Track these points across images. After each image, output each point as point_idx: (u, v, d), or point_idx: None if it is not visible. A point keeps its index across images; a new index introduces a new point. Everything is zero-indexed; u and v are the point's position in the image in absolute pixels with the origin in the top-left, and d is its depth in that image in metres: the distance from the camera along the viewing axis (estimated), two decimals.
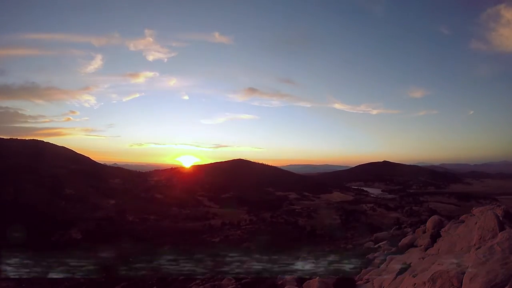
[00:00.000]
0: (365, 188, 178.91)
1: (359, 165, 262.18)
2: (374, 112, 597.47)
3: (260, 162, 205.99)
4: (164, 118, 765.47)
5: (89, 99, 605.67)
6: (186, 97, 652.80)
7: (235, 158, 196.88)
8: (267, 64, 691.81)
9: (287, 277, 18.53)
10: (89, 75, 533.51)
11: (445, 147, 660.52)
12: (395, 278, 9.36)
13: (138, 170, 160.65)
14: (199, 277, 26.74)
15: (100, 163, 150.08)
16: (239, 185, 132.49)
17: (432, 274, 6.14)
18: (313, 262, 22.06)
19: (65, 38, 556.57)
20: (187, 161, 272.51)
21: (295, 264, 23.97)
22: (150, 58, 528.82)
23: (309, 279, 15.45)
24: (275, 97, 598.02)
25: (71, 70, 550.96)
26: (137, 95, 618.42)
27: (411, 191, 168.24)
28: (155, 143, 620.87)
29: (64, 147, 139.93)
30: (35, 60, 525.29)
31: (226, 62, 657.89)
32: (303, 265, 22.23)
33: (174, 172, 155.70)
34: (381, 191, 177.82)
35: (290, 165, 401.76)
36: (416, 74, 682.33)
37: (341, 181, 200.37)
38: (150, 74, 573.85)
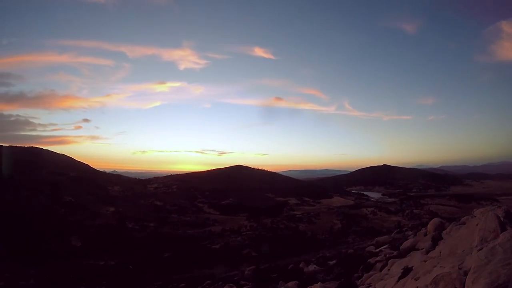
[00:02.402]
0: (365, 192, 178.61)
1: (359, 169, 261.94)
2: (386, 118, 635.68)
3: (260, 168, 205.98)
4: (177, 126, 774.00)
5: (106, 107, 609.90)
6: (208, 106, 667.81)
7: (235, 164, 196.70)
8: (297, 74, 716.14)
9: (290, 282, 18.39)
10: (113, 84, 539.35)
11: (445, 150, 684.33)
12: (397, 282, 9.31)
13: (137, 178, 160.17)
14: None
15: (99, 170, 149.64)
16: (239, 191, 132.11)
17: (435, 277, 6.12)
18: (314, 267, 21.92)
19: (98, 46, 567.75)
20: (189, 168, 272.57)
21: (297, 269, 23.78)
22: (182, 67, 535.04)
23: (311, 284, 15.33)
24: (298, 105, 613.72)
25: (96, 79, 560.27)
26: (159, 103, 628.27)
27: (412, 194, 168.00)
28: (160, 150, 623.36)
29: (63, 154, 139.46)
30: (60, 67, 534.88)
31: (259, 73, 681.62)
32: (305, 270, 22.06)
33: (174, 179, 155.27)
34: (382, 194, 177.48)
35: (290, 170, 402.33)
36: (426, 83, 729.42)
37: (341, 185, 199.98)
38: (177, 83, 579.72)
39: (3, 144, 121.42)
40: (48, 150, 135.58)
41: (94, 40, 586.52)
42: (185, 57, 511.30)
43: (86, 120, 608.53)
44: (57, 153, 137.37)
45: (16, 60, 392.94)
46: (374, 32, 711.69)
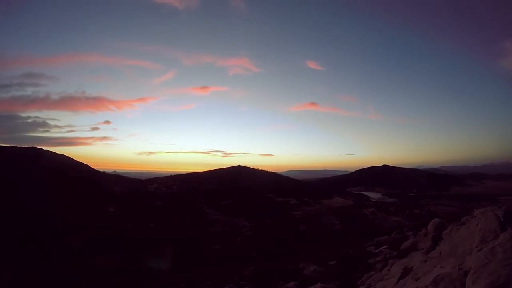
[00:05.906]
0: (365, 193, 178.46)
1: (359, 169, 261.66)
2: (400, 122, 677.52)
3: (261, 168, 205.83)
4: (196, 128, 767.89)
5: (135, 110, 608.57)
6: (244, 108, 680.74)
7: (235, 165, 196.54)
8: (340, 82, 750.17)
9: (290, 283, 18.37)
10: (152, 87, 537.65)
11: (445, 150, 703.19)
12: (397, 282, 9.31)
13: (137, 178, 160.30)
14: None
15: (99, 171, 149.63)
16: (238, 191, 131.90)
17: (435, 277, 6.11)
18: (314, 268, 21.89)
19: (151, 50, 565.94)
20: (193, 169, 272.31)
21: (297, 270, 23.76)
22: (231, 73, 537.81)
23: (311, 284, 15.32)
24: (329, 109, 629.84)
25: (137, 82, 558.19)
26: (192, 107, 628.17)
27: (412, 194, 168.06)
28: (166, 152, 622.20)
29: (63, 154, 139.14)
30: (103, 69, 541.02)
31: (305, 81, 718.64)
32: (305, 271, 22.05)
33: (174, 179, 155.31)
34: (382, 195, 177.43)
35: (290, 170, 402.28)
36: (440, 89, 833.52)
37: (341, 186, 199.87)
38: (221, 88, 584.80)
39: (4, 145, 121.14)
40: (48, 150, 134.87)
41: (151, 44, 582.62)
42: (240, 65, 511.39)
43: (106, 122, 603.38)
44: (57, 153, 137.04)
45: (53, 60, 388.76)
46: (404, 45, 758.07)
